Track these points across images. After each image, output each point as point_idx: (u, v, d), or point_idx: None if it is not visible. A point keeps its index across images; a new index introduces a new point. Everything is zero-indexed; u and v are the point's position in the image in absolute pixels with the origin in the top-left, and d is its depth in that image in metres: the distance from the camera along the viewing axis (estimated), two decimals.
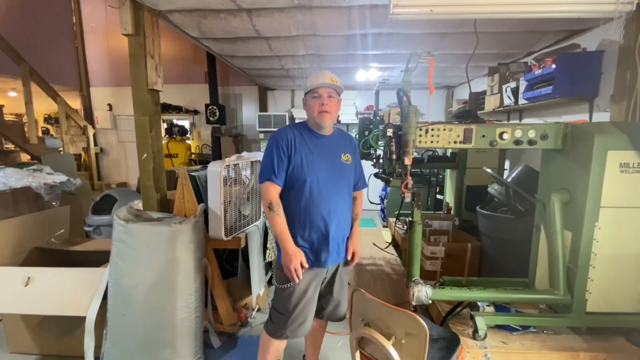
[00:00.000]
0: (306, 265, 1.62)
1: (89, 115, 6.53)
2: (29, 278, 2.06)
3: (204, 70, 5.93)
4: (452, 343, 1.50)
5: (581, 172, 1.73)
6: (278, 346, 1.78)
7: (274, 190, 1.62)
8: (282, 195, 1.66)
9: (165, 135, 6.05)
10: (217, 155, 5.88)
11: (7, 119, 5.63)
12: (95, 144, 6.53)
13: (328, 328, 2.04)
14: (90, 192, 4.27)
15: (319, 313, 1.84)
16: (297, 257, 1.59)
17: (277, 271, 1.74)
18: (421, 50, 2.02)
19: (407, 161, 1.78)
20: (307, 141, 1.67)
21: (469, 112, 4.08)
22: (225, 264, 2.94)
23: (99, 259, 2.25)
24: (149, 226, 2.03)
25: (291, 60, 4.12)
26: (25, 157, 5.17)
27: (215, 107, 5.68)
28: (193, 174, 2.47)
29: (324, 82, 1.62)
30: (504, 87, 3.36)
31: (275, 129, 3.87)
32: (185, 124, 6.57)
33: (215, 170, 2.22)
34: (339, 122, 6.20)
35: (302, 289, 1.68)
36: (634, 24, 1.99)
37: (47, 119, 6.75)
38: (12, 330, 2.25)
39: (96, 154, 6.56)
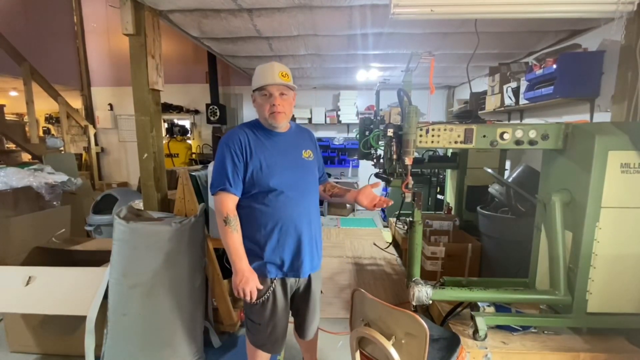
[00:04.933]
0: (260, 287, 1.49)
1: (89, 115, 6.54)
2: (29, 277, 2.06)
3: (204, 70, 5.94)
4: (452, 343, 1.50)
5: (582, 172, 1.73)
6: (265, 356, 1.67)
7: (230, 202, 1.46)
8: (241, 205, 1.50)
9: (166, 135, 6.06)
10: None
11: (8, 118, 5.64)
12: (96, 144, 6.54)
13: (329, 328, 2.03)
14: (91, 191, 4.28)
15: (299, 330, 1.75)
16: (253, 279, 1.46)
17: None
18: (422, 50, 2.02)
19: (408, 161, 1.77)
20: (264, 141, 1.50)
21: (469, 112, 4.09)
22: (225, 263, 2.93)
23: (99, 258, 2.26)
24: (149, 226, 2.03)
25: (292, 60, 4.12)
26: (26, 157, 5.18)
27: (216, 107, 5.69)
28: (194, 173, 2.47)
29: (273, 80, 1.44)
30: (504, 87, 3.35)
31: None
32: (186, 123, 6.58)
33: None
34: (339, 122, 6.20)
35: (273, 302, 1.55)
36: (635, 24, 1.98)
37: (48, 119, 6.78)
38: (13, 329, 2.26)
39: (97, 154, 6.56)
